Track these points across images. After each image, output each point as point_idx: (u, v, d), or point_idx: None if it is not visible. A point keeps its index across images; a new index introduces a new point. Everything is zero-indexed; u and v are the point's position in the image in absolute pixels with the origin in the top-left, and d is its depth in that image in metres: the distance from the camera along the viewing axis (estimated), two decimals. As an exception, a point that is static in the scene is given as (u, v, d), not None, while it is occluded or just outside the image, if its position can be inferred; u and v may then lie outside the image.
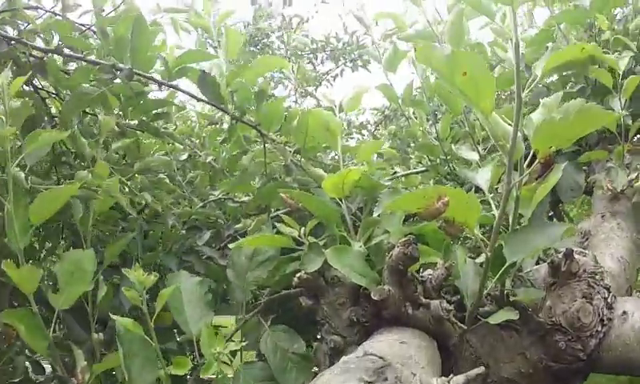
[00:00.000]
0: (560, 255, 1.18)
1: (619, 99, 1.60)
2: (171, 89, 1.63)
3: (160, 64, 1.54)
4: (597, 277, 1.19)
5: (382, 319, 1.18)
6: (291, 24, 3.77)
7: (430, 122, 1.95)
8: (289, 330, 1.36)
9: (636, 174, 1.56)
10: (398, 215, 1.24)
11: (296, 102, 2.63)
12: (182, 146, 1.91)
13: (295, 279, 1.26)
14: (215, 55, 1.60)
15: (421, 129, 1.93)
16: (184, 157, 1.91)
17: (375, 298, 1.11)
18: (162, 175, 1.74)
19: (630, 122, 1.64)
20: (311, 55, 3.85)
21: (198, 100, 1.59)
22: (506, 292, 1.20)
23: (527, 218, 1.18)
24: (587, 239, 1.54)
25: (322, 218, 1.34)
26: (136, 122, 1.62)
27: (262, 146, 1.61)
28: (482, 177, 1.16)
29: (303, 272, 1.24)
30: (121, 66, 1.45)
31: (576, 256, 1.20)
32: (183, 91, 1.58)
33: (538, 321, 1.18)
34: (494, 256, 1.09)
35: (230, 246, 1.38)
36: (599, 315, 1.15)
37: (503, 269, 1.09)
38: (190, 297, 1.28)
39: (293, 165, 1.56)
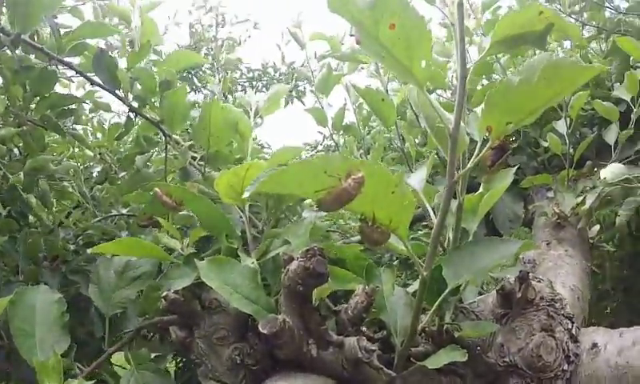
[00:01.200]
0: (512, 280, 0.92)
1: (564, 119, 1.39)
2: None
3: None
4: (557, 305, 0.93)
5: (276, 361, 0.84)
6: (222, 46, 3.50)
7: (362, 151, 1.72)
8: (159, 370, 0.98)
9: (582, 198, 1.33)
10: (304, 224, 0.91)
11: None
12: (91, 153, 1.57)
13: (162, 301, 0.89)
14: (117, 29, 1.28)
15: (351, 156, 1.68)
16: (98, 168, 1.58)
17: (264, 332, 0.75)
18: (66, 183, 1.43)
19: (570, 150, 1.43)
20: (246, 83, 3.59)
21: (92, 83, 1.23)
22: (445, 327, 0.94)
23: (472, 232, 0.92)
24: (534, 268, 1.29)
25: (208, 226, 0.99)
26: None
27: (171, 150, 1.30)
28: (416, 177, 0.89)
29: (171, 291, 0.88)
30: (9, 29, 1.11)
31: (531, 281, 0.95)
32: (75, 69, 1.23)
33: (488, 362, 0.91)
34: (429, 281, 0.82)
35: (90, 250, 0.98)
36: (564, 351, 0.88)
37: (443, 295, 0.78)
38: (44, 317, 0.91)
39: (193, 169, 1.24)
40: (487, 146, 0.67)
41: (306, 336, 0.79)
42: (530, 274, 0.97)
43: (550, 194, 1.46)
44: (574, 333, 0.90)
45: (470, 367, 0.90)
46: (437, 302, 0.80)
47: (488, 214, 1.53)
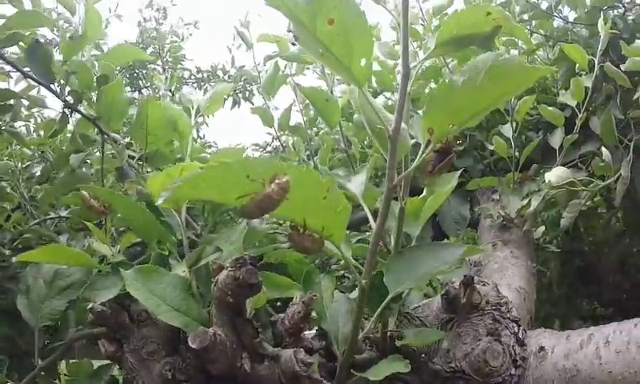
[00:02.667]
0: (457, 284, 0.85)
1: (510, 123, 1.33)
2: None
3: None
4: (502, 309, 0.86)
5: (210, 376, 0.74)
6: (166, 40, 3.34)
7: (308, 152, 1.63)
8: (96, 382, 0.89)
9: (527, 201, 1.28)
10: (238, 229, 0.82)
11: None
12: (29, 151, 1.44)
13: (89, 314, 0.79)
14: (49, 19, 1.13)
15: (297, 158, 1.59)
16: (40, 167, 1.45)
17: (194, 346, 0.66)
18: (4, 183, 1.30)
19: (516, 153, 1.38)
20: (195, 84, 3.46)
21: (25, 76, 1.12)
22: (389, 334, 0.86)
23: (414, 237, 0.85)
24: (479, 270, 1.23)
25: (139, 231, 0.89)
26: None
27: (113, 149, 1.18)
28: (357, 180, 0.81)
29: (97, 303, 0.78)
30: None
31: (475, 285, 0.89)
32: (6, 60, 1.11)
33: (433, 368, 0.84)
34: (370, 287, 0.75)
35: (15, 259, 0.85)
36: (511, 355, 0.82)
37: (384, 303, 0.70)
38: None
39: (130, 169, 1.11)
40: (428, 148, 0.59)
41: (239, 350, 0.70)
42: (476, 278, 0.90)
43: (496, 197, 1.40)
44: (520, 336, 0.84)
45: (416, 374, 0.84)
46: (378, 310, 0.72)
47: (435, 217, 1.48)
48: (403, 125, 0.62)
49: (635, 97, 1.33)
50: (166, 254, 0.86)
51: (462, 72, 0.54)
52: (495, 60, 0.51)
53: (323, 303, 0.79)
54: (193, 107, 1.11)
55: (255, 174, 0.52)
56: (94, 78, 1.14)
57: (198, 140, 2.74)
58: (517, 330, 0.84)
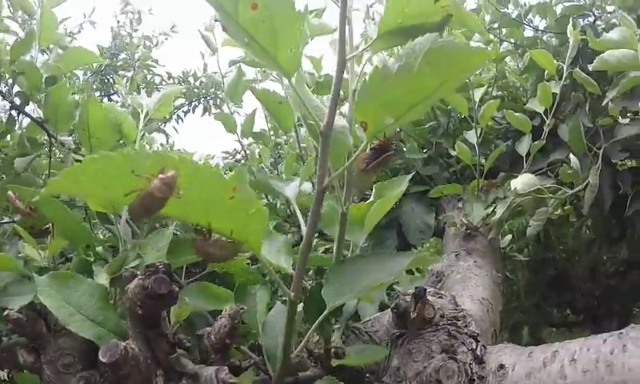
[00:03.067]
0: (408, 297, 0.77)
1: (475, 129, 1.26)
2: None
3: None
4: (459, 323, 0.79)
5: None
6: (138, 46, 3.22)
7: (273, 159, 1.55)
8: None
9: (492, 209, 1.20)
10: (166, 233, 0.72)
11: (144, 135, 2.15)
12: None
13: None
14: None
15: (260, 165, 1.51)
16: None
17: (104, 360, 0.57)
18: None
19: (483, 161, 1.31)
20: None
21: None
22: (333, 350, 0.78)
23: (358, 246, 0.76)
24: (441, 281, 1.15)
25: (66, 235, 0.80)
26: None
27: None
28: (292, 184, 0.72)
29: (13, 310, 0.69)
30: None
31: (429, 298, 0.80)
32: None
33: (382, 389, 0.76)
34: (310, 299, 0.67)
35: None
36: (467, 374, 0.74)
37: (321, 317, 0.62)
38: None
39: None
40: (361, 146, 0.51)
41: (154, 366, 0.62)
42: (431, 290, 0.82)
43: (461, 204, 1.32)
44: (478, 353, 0.76)
45: (364, 392, 0.76)
46: (313, 325, 0.63)
47: (399, 226, 1.40)
48: (342, 120, 0.54)
49: (604, 103, 1.26)
50: (92, 260, 0.77)
51: (398, 57, 0.46)
52: (434, 42, 0.44)
53: (257, 316, 0.70)
54: (142, 111, 1.03)
55: (141, 169, 0.43)
56: (43, 79, 1.06)
57: (167, 147, 2.65)
58: (475, 347, 0.76)
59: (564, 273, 2.10)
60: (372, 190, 0.73)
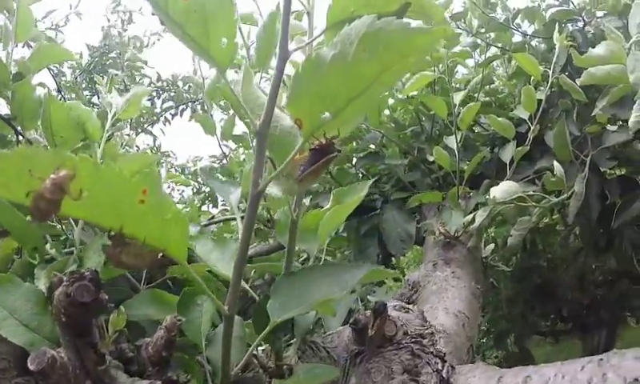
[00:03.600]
0: (368, 312, 0.69)
1: (455, 133, 1.18)
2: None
3: None
4: (425, 341, 0.70)
5: None
6: (128, 45, 3.14)
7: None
8: None
9: (472, 216, 1.12)
10: (96, 245, 0.66)
11: (129, 135, 2.07)
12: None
13: None
14: None
15: (240, 169, 1.43)
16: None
17: (32, 367, 0.50)
18: None
19: (465, 167, 1.23)
20: (154, 93, 3.25)
21: None
22: (285, 366, 0.70)
23: (312, 256, 0.68)
24: (417, 291, 1.06)
25: (15, 237, 0.73)
26: None
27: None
28: (236, 191, 0.65)
29: None
30: None
31: (393, 313, 0.72)
32: None
33: (337, 409, 0.68)
34: (259, 311, 0.59)
35: None
36: (430, 399, 0.67)
37: (263, 333, 0.55)
38: None
39: None
40: (297, 147, 0.43)
41: (82, 376, 0.54)
42: (397, 304, 0.74)
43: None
44: (444, 375, 0.68)
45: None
46: (256, 341, 0.55)
47: (380, 234, 1.32)
48: (285, 118, 0.46)
49: (593, 113, 1.18)
50: (36, 262, 0.69)
51: (333, 44, 0.38)
52: (371, 26, 0.36)
53: (201, 329, 0.62)
54: (110, 110, 0.96)
55: (39, 168, 0.36)
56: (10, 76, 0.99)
57: (153, 149, 2.57)
58: (441, 367, 0.68)
59: (550, 282, 2.02)
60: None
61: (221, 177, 0.63)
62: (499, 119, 1.19)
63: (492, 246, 1.23)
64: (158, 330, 0.59)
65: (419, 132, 1.41)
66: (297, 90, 0.40)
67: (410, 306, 0.75)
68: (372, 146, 1.44)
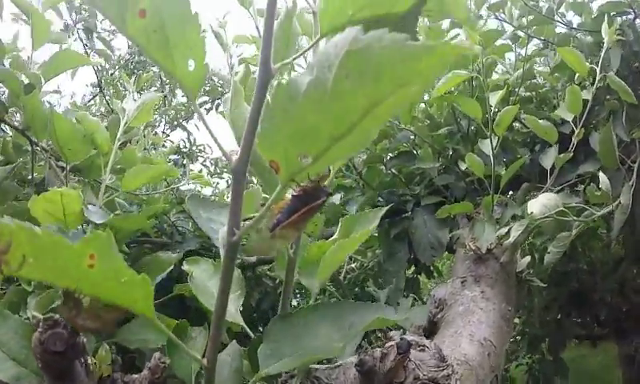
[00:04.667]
0: (376, 353, 0.59)
1: (490, 138, 1.05)
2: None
3: None
4: (438, 389, 0.60)
5: None
6: None
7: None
8: None
9: (507, 230, 0.99)
10: None
11: (164, 132, 2.03)
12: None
13: None
14: None
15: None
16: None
17: None
18: None
19: (502, 171, 1.10)
20: None
21: None
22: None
23: (314, 293, 0.58)
24: (442, 310, 0.96)
25: None
26: None
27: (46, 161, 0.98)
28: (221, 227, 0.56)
29: None
30: None
31: (410, 353, 0.62)
32: None
33: None
34: (251, 351, 0.51)
35: None
36: None
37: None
38: None
39: (56, 180, 0.92)
40: (273, 196, 0.33)
41: None
42: (413, 339, 0.64)
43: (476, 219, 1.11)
44: (458, 429, 0.57)
45: None
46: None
47: (409, 239, 1.21)
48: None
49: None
50: (30, 290, 0.63)
51: (309, 67, 0.27)
52: (354, 42, 0.25)
53: (191, 366, 0.54)
54: (123, 117, 0.90)
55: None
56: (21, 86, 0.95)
57: (187, 144, 2.51)
58: (454, 421, 0.58)
59: (588, 287, 1.87)
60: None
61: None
62: (540, 122, 1.06)
63: (528, 258, 1.10)
64: (146, 365, 0.52)
65: (454, 131, 1.28)
66: (268, 126, 0.30)
67: (427, 343, 0.65)
68: (404, 145, 1.33)
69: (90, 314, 0.37)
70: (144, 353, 0.72)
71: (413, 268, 1.49)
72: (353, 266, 1.68)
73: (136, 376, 0.56)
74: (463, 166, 1.14)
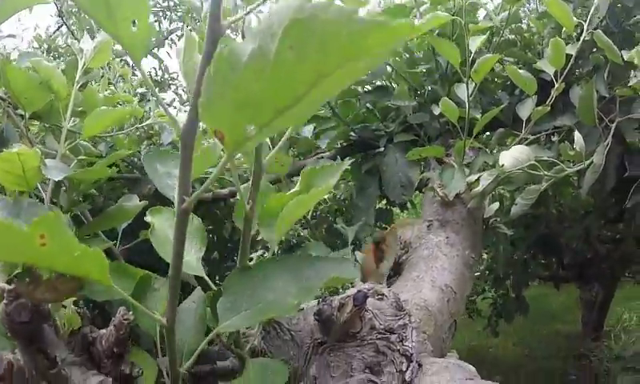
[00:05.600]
0: (334, 302, 0.59)
1: (466, 84, 1.02)
2: None
3: None
4: (393, 337, 0.61)
5: None
6: None
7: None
8: None
9: (476, 177, 0.99)
10: None
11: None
12: None
13: None
14: None
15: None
16: None
17: None
18: None
19: (478, 114, 1.08)
20: (160, 13, 2.98)
21: None
22: (248, 348, 0.62)
23: (273, 248, 0.58)
24: (407, 252, 0.96)
25: None
26: None
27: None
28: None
29: None
30: None
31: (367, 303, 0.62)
32: None
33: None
34: (212, 304, 0.51)
35: None
36: (387, 401, 0.58)
37: (205, 342, 0.48)
38: None
39: (12, 129, 0.88)
40: (219, 166, 0.32)
41: (39, 379, 0.50)
42: (371, 289, 0.65)
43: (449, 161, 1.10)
44: (407, 377, 0.59)
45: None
46: (197, 351, 0.47)
47: (380, 177, 1.20)
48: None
49: (630, 84, 1.02)
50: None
51: (252, 34, 0.25)
52: (299, 10, 0.23)
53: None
54: (81, 58, 0.85)
55: None
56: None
57: (159, 72, 2.40)
58: (405, 368, 0.59)
59: (556, 231, 1.90)
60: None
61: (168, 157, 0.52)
62: (521, 72, 1.03)
63: (496, 205, 1.10)
64: (111, 322, 0.52)
65: (433, 70, 1.24)
66: (209, 95, 0.28)
67: (386, 291, 0.65)
68: (380, 80, 1.29)
69: (48, 287, 0.36)
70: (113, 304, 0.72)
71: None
72: (325, 197, 1.67)
73: (103, 331, 0.56)
74: (438, 111, 1.11)
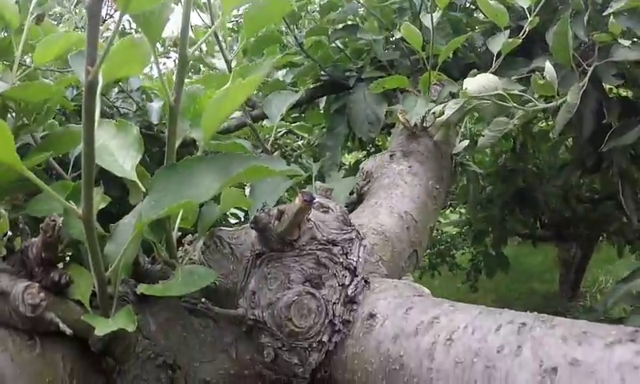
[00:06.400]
0: (272, 211, 0.56)
1: (430, 13, 0.97)
2: None
3: None
4: (336, 249, 0.58)
5: None
6: None
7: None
8: None
9: (441, 107, 0.95)
10: None
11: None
12: None
13: None
14: None
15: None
16: None
17: None
18: None
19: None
20: None
21: None
22: (187, 259, 0.59)
23: (201, 145, 0.54)
24: (368, 183, 0.93)
25: None
26: None
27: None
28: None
29: None
30: None
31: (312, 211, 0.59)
32: None
33: (237, 312, 0.57)
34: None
35: None
36: (328, 315, 0.55)
37: (131, 237, 0.46)
38: None
39: None
40: None
41: None
42: (317, 201, 0.61)
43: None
44: (352, 292, 0.56)
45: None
46: (122, 251, 0.44)
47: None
48: None
49: (605, 13, 0.97)
50: None
51: None
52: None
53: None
54: None
55: None
56: None
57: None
58: (348, 282, 0.56)
59: (534, 187, 1.88)
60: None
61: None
62: (491, 3, 0.99)
63: (466, 142, 1.06)
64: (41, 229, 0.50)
65: (405, 8, 1.19)
66: None
67: (332, 205, 0.62)
68: (351, 18, 1.24)
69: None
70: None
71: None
72: (300, 143, 1.64)
73: (34, 240, 0.54)
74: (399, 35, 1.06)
